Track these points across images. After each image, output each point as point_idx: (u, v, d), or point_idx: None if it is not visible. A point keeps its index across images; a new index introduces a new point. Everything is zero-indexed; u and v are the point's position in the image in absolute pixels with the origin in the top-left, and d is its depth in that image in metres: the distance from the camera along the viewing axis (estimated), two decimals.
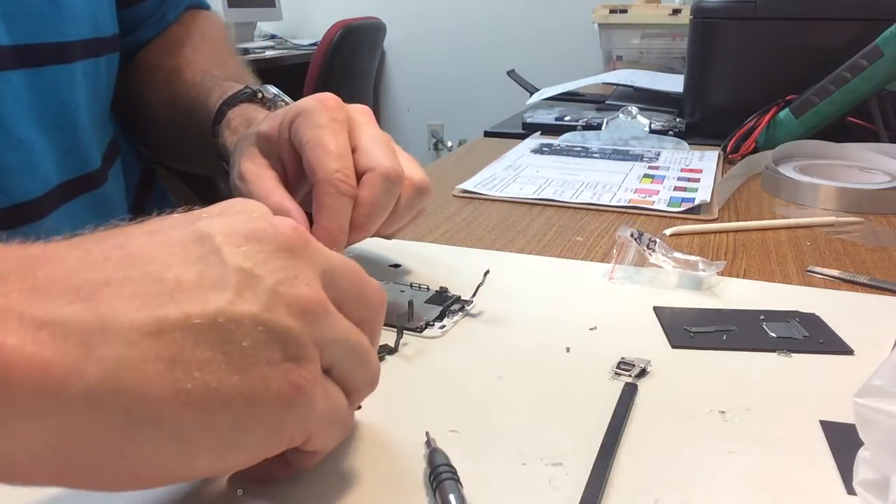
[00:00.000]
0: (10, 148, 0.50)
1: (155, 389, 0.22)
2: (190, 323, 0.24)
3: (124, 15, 0.64)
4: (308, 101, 0.44)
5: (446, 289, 0.48)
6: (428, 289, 0.48)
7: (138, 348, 0.22)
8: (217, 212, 0.28)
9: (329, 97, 0.44)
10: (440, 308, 0.45)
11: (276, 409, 0.25)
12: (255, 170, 0.45)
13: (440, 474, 0.29)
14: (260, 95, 0.56)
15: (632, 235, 0.52)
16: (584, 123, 1.05)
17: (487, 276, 0.47)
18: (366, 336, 0.29)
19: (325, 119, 0.43)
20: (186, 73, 0.64)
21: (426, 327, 0.44)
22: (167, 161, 0.76)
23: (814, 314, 0.46)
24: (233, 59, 0.70)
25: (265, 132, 0.46)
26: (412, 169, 0.46)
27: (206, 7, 0.76)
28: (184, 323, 0.23)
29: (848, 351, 0.42)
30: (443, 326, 0.44)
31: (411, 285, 0.49)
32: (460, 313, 0.46)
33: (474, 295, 0.46)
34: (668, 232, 0.62)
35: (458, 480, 0.29)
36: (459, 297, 0.47)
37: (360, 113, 0.45)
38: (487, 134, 1.10)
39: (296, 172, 0.45)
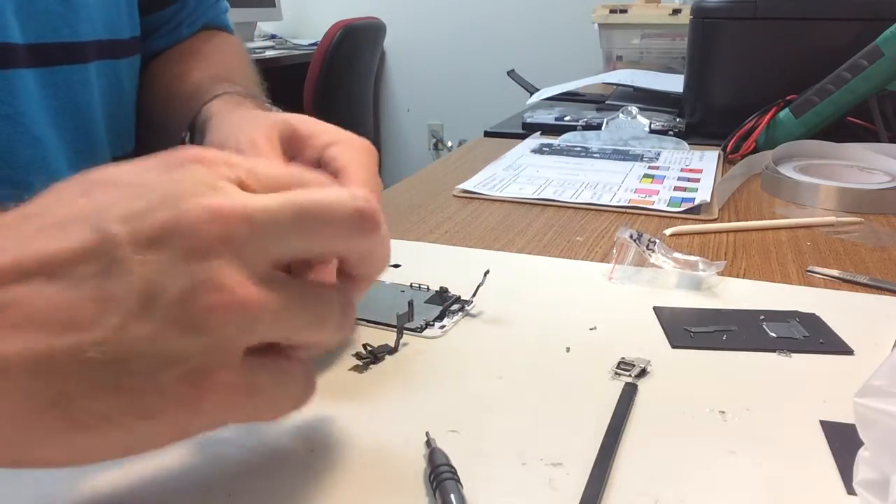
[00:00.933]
0: (25, 145, 0.50)
1: (36, 419, 0.22)
2: (78, 358, 0.23)
3: (142, 21, 0.64)
4: (348, 136, 0.40)
5: (446, 289, 0.48)
6: (428, 289, 0.48)
7: (13, 384, 0.22)
8: (149, 173, 0.26)
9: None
10: (440, 308, 0.45)
11: (176, 419, 0.24)
12: (268, 145, 0.40)
13: (440, 474, 0.29)
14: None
15: (631, 237, 0.52)
16: (584, 123, 1.05)
17: (487, 275, 0.47)
18: (332, 291, 0.28)
19: (366, 158, 0.39)
20: (191, 77, 0.63)
21: (426, 327, 0.44)
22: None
23: (814, 314, 0.46)
24: (245, 75, 0.66)
25: (298, 125, 0.41)
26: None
27: (228, 29, 0.74)
28: (71, 357, 0.23)
29: (848, 351, 0.42)
30: (443, 326, 0.44)
31: (411, 285, 0.49)
32: (460, 313, 0.46)
33: (474, 295, 0.46)
34: (668, 232, 0.62)
35: (458, 480, 0.29)
36: (459, 297, 0.47)
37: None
38: (487, 134, 1.10)
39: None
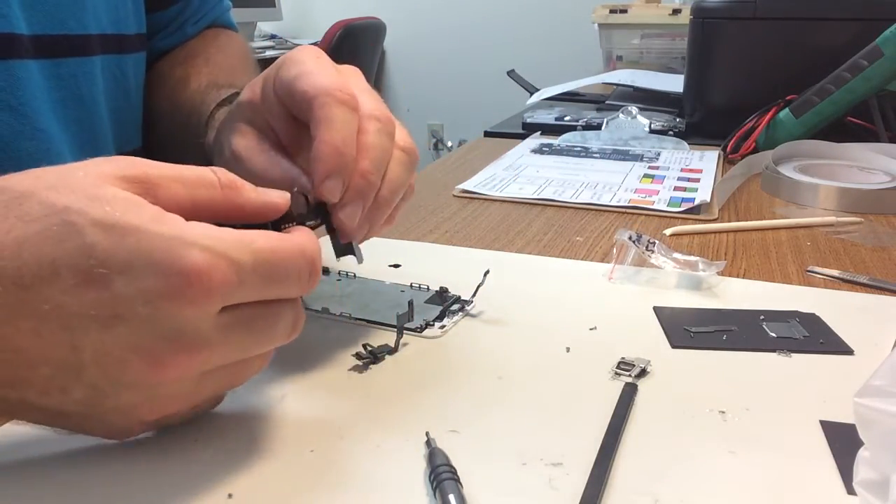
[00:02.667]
0: (27, 136, 0.50)
1: None
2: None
3: (147, 20, 0.64)
4: (290, 52, 0.40)
5: (446, 289, 0.48)
6: (428, 289, 0.48)
7: None
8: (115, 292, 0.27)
9: (311, 48, 0.40)
10: (440, 308, 0.45)
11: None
12: (247, 144, 0.40)
13: (440, 474, 0.29)
14: None
15: (630, 238, 0.52)
16: (584, 123, 1.05)
17: (487, 275, 0.47)
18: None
19: (311, 60, 0.38)
20: (192, 82, 0.63)
21: (426, 327, 0.44)
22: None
23: (814, 314, 0.46)
24: (247, 73, 0.66)
25: (247, 99, 0.41)
26: (400, 133, 0.40)
27: (233, 27, 0.74)
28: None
29: (848, 351, 0.42)
30: (443, 326, 0.44)
31: (411, 285, 0.49)
32: (460, 313, 0.46)
33: (474, 295, 0.46)
34: (668, 232, 0.62)
35: (458, 480, 0.29)
36: (459, 297, 0.47)
37: (349, 68, 0.42)
38: (487, 134, 1.10)
39: (290, 134, 0.40)
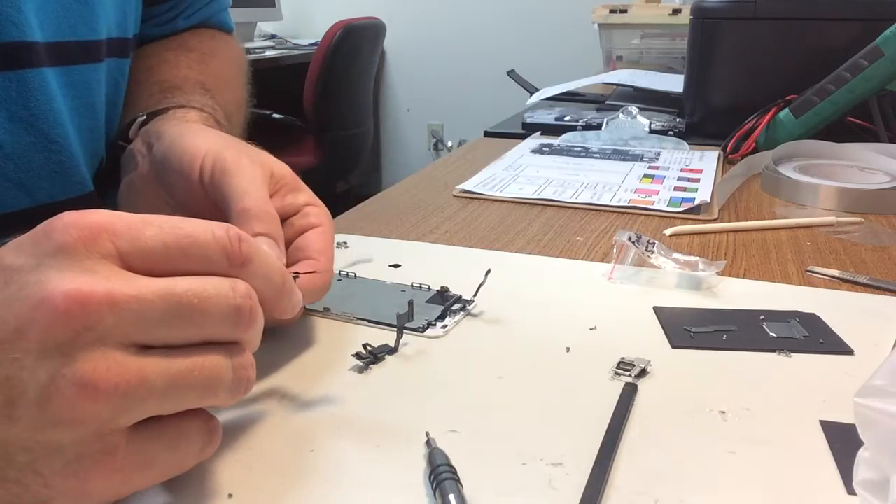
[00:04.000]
0: (39, 149, 0.49)
1: None
2: None
3: (143, 12, 0.63)
4: (321, 204, 0.43)
5: (447, 288, 0.48)
6: (429, 288, 0.48)
7: None
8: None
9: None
10: (441, 308, 0.45)
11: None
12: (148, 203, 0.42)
13: (440, 474, 0.29)
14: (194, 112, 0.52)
15: (629, 239, 0.52)
16: (584, 123, 1.05)
17: (489, 275, 0.47)
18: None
19: (331, 228, 0.42)
20: (180, 68, 0.61)
21: (428, 327, 0.44)
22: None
23: (814, 314, 0.46)
24: (233, 90, 0.66)
25: (285, 174, 0.43)
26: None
27: (229, 28, 0.73)
28: None
29: (848, 351, 0.42)
30: (444, 326, 0.44)
31: (412, 285, 0.49)
32: (462, 313, 0.46)
33: (475, 294, 0.46)
34: (668, 232, 0.62)
35: (458, 480, 0.29)
36: (461, 296, 0.47)
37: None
38: (487, 134, 1.10)
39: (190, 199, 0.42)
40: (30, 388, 0.24)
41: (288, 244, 0.40)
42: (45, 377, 0.24)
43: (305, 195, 0.43)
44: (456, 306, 0.46)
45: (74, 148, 0.52)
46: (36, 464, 0.24)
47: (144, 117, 0.52)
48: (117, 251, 0.26)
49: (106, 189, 0.57)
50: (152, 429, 0.27)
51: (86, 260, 0.25)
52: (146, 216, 0.27)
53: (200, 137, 0.43)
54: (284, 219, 0.42)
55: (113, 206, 0.52)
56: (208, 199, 0.40)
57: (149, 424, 0.27)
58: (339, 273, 0.51)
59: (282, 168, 0.43)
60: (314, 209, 0.42)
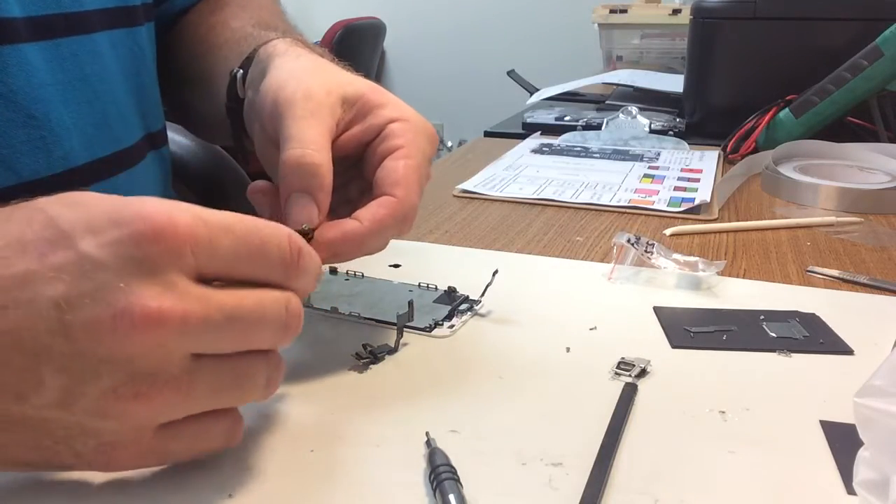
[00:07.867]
0: (18, 125, 0.48)
1: None
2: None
3: None
4: (414, 114, 0.43)
5: (455, 288, 0.48)
6: (437, 288, 0.48)
7: None
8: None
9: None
10: (449, 308, 0.45)
11: (91, 468, 0.29)
12: (324, 103, 0.40)
13: (440, 474, 0.29)
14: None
15: (629, 240, 0.52)
16: (584, 123, 1.05)
17: (496, 275, 0.47)
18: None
19: (424, 142, 0.43)
20: (232, 23, 0.59)
21: (435, 326, 0.44)
22: (190, 126, 0.73)
23: (814, 314, 0.46)
24: (283, 20, 0.64)
25: (367, 92, 0.41)
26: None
27: None
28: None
29: (848, 351, 0.42)
30: (452, 326, 0.44)
31: (419, 285, 0.49)
32: (469, 313, 0.46)
33: (483, 294, 0.46)
34: (668, 232, 0.62)
35: (458, 480, 0.29)
36: (468, 296, 0.47)
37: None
38: (487, 134, 1.10)
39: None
40: (88, 384, 0.26)
41: (372, 174, 0.40)
42: (109, 383, 0.26)
43: (389, 110, 0.41)
44: (463, 306, 0.46)
45: (58, 122, 0.51)
46: (72, 440, 0.27)
47: (241, 71, 0.50)
48: (196, 265, 0.27)
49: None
50: (179, 425, 0.29)
51: (169, 274, 0.26)
52: (226, 218, 0.28)
53: (276, 72, 0.43)
54: (367, 143, 0.41)
55: (100, 183, 0.54)
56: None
57: (176, 423, 0.29)
58: (347, 273, 0.51)
59: (357, 88, 0.41)
60: (397, 126, 0.40)
